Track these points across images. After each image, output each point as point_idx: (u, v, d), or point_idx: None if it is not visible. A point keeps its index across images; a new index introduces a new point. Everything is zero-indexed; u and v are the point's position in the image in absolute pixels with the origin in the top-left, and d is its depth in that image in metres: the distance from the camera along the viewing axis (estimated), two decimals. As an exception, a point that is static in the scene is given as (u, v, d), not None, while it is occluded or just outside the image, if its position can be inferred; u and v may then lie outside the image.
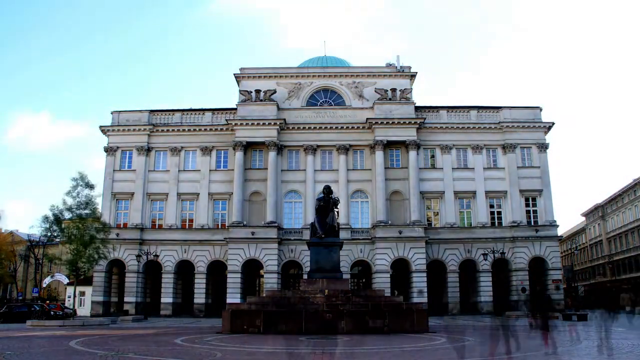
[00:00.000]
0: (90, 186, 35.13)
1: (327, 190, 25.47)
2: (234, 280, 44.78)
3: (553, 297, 44.99)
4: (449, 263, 45.97)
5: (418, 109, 48.89)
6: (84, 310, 47.73)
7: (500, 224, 47.38)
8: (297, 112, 49.15)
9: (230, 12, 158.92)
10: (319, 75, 50.51)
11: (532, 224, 46.89)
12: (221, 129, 48.95)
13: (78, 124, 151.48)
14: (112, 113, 50.09)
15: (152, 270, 48.29)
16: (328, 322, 20.57)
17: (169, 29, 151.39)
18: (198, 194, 47.91)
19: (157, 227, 47.97)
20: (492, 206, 47.81)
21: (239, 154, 47.18)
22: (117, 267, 48.33)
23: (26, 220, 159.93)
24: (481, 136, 48.76)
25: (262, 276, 47.20)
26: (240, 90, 49.41)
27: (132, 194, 47.96)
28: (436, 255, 46.11)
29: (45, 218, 35.40)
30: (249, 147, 48.05)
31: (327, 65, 52.84)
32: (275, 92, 48.80)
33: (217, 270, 48.05)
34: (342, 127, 48.23)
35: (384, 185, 46.53)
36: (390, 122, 47.28)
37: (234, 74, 50.52)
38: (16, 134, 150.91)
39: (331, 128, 48.20)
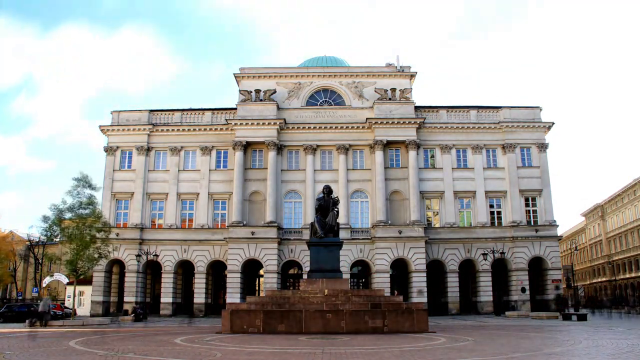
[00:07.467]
0: (92, 186, 35.09)
1: (327, 190, 25.51)
2: (233, 280, 44.81)
3: (552, 297, 45.45)
4: (449, 263, 45.98)
5: (418, 108, 48.91)
6: (84, 310, 47.82)
7: (500, 223, 47.40)
8: (297, 111, 49.17)
9: (231, 12, 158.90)
10: (318, 75, 50.51)
11: (532, 223, 46.93)
12: (221, 129, 48.96)
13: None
14: (112, 113, 50.06)
15: (152, 270, 48.35)
16: (328, 322, 20.59)
17: (169, 28, 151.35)
18: (198, 194, 47.92)
19: (157, 227, 48.00)
20: (492, 206, 47.84)
21: (239, 154, 47.20)
22: (117, 267, 48.35)
23: (26, 220, 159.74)
24: (481, 136, 48.79)
25: (262, 276, 47.22)
26: (240, 90, 49.41)
27: (132, 193, 47.98)
28: (436, 255, 46.12)
29: (45, 218, 35.36)
30: (248, 146, 48.07)
31: (326, 65, 52.87)
32: (275, 92, 48.83)
33: (217, 270, 48.10)
34: (342, 127, 48.24)
35: (384, 185, 46.54)
36: (390, 122, 47.30)
37: (234, 74, 50.53)
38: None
39: (331, 128, 48.21)
